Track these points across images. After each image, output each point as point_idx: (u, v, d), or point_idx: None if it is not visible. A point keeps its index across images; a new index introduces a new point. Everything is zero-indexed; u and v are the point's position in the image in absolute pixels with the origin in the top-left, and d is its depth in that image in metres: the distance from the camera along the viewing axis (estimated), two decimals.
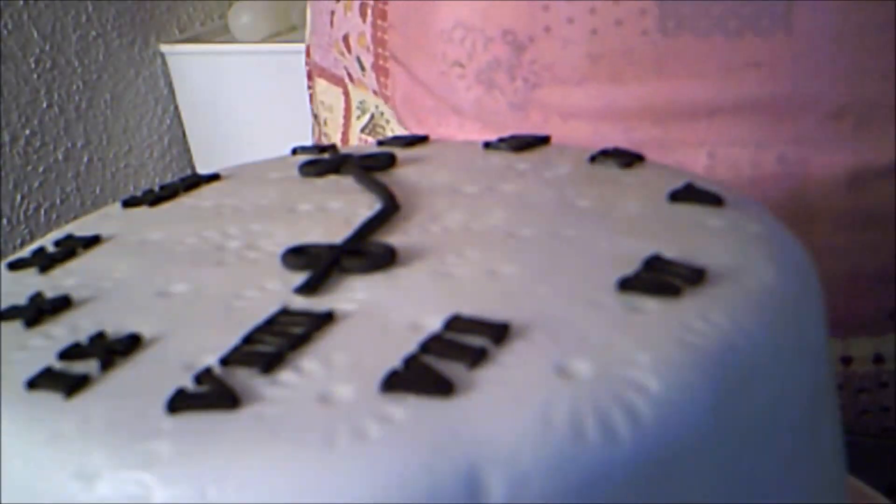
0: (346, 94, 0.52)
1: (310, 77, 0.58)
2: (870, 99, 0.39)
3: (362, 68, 0.49)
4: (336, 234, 0.24)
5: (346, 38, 0.50)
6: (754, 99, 0.39)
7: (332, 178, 0.29)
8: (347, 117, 0.53)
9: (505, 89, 0.42)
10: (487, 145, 0.31)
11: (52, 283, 0.24)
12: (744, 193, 0.27)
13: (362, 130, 0.51)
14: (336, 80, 0.53)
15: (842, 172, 0.40)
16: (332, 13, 0.51)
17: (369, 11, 0.47)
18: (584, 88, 0.41)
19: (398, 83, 0.47)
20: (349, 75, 0.51)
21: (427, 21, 0.44)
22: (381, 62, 0.48)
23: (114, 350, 0.20)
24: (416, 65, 0.46)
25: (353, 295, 0.22)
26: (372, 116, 0.51)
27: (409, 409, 0.18)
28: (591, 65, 0.40)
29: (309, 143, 0.51)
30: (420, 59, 0.45)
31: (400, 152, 0.30)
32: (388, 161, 0.29)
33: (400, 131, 0.49)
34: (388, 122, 0.50)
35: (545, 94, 0.41)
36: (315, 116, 0.57)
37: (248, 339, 0.20)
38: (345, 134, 0.53)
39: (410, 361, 0.19)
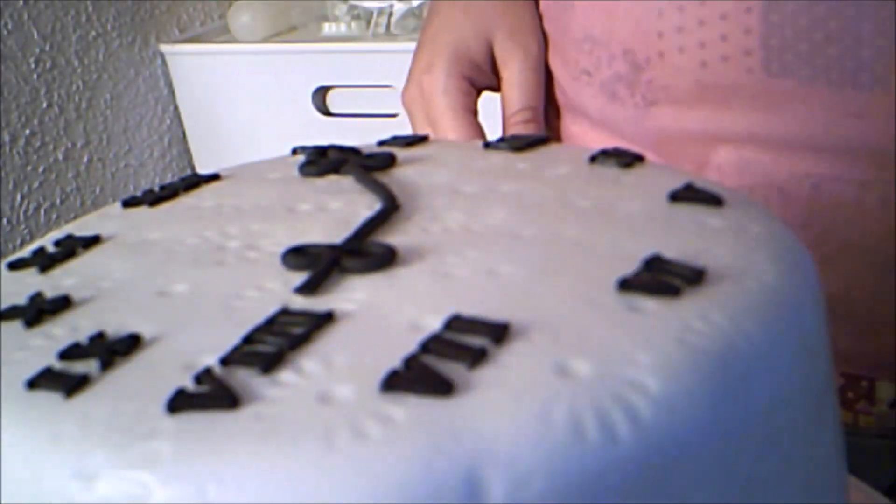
0: None
1: None
2: None
3: None
4: (336, 234, 0.24)
5: None
6: (855, 144, 0.40)
7: (332, 178, 0.29)
8: None
9: (626, 102, 0.44)
10: (487, 145, 0.31)
11: (52, 283, 0.24)
12: (744, 193, 0.27)
13: None
14: None
15: None
16: None
17: None
18: (696, 111, 0.42)
19: None
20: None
21: (566, 28, 0.46)
22: None
23: (114, 350, 0.20)
24: (553, 64, 0.49)
25: (353, 295, 0.22)
26: None
27: (409, 409, 0.18)
28: (701, 91, 0.41)
29: (309, 142, 0.52)
30: (557, 61, 0.48)
31: (400, 152, 0.30)
32: (388, 161, 0.29)
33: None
34: None
35: (661, 111, 0.43)
36: None
37: (248, 339, 0.20)
38: None
39: (410, 361, 0.19)
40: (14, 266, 0.26)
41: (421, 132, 0.47)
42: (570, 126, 0.49)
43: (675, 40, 0.41)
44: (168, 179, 1.12)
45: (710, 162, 0.43)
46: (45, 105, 1.11)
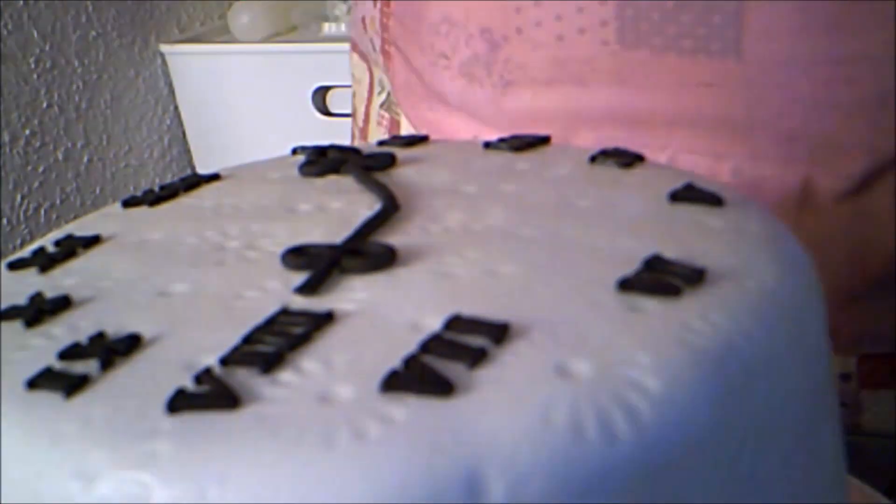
0: (370, 70, 0.55)
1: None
2: (822, 128, 0.39)
3: (374, 49, 0.52)
4: (336, 234, 0.24)
5: (363, 20, 0.52)
6: (708, 115, 0.40)
7: (332, 178, 0.29)
8: (371, 92, 0.55)
9: (483, 83, 0.44)
10: (487, 145, 0.31)
11: (52, 283, 0.24)
12: (744, 194, 0.27)
13: (381, 106, 0.54)
14: (364, 56, 0.55)
15: (794, 193, 0.40)
16: None
17: None
18: (553, 89, 0.42)
19: (397, 68, 0.50)
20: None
21: (420, 13, 0.46)
22: (385, 46, 0.50)
23: (114, 350, 0.20)
24: (410, 53, 0.48)
25: (353, 295, 0.22)
26: (388, 94, 0.53)
27: (409, 409, 0.18)
28: (558, 68, 0.42)
29: (309, 142, 0.52)
30: (414, 49, 0.48)
31: (400, 152, 0.30)
32: (388, 161, 0.29)
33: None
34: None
35: (518, 91, 0.43)
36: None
37: (248, 339, 0.20)
38: (367, 108, 0.56)
39: (410, 361, 0.19)
40: (14, 266, 0.26)
41: None
42: (427, 113, 0.48)
43: (533, 14, 0.41)
44: (168, 179, 1.12)
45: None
46: (45, 105, 1.11)
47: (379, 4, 0.50)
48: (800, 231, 0.39)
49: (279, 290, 0.22)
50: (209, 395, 0.18)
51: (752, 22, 0.38)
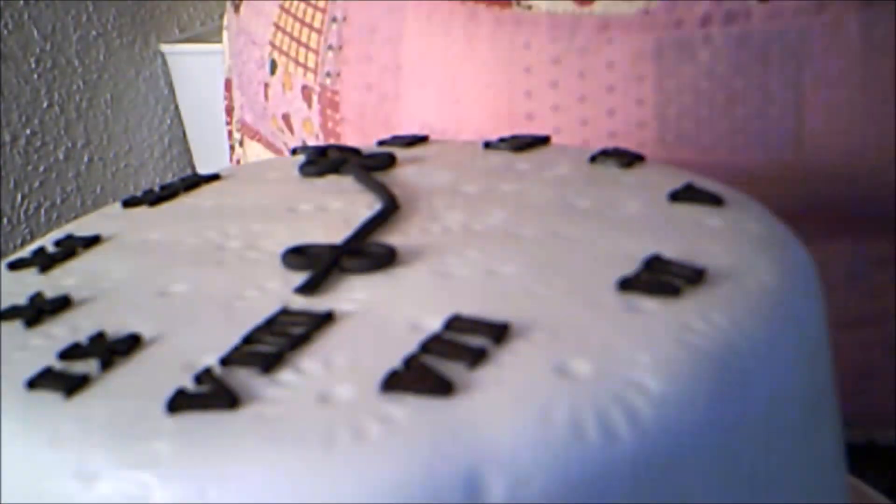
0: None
1: (230, 137, 0.54)
2: (874, 197, 0.37)
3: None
4: (336, 234, 0.24)
5: (286, 118, 0.46)
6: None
7: (332, 178, 0.29)
8: None
9: None
10: (487, 145, 0.31)
11: (52, 283, 0.24)
12: (744, 193, 0.27)
13: None
14: (275, 150, 0.49)
15: (841, 268, 0.38)
16: (266, 86, 0.47)
17: (315, 98, 0.44)
18: None
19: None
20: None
21: (388, 120, 0.41)
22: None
23: (114, 350, 0.20)
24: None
25: (353, 295, 0.22)
26: None
27: (409, 409, 0.18)
28: None
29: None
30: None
31: (400, 152, 0.30)
32: (388, 161, 0.29)
33: None
34: None
35: None
36: None
37: (248, 339, 0.20)
38: None
39: (410, 361, 0.19)
40: (14, 266, 0.26)
41: None
42: None
43: (550, 122, 0.37)
44: (168, 179, 1.12)
45: None
46: (45, 105, 1.11)
47: (317, 107, 0.43)
48: (849, 307, 0.37)
49: (279, 290, 0.22)
50: (209, 395, 0.18)
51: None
